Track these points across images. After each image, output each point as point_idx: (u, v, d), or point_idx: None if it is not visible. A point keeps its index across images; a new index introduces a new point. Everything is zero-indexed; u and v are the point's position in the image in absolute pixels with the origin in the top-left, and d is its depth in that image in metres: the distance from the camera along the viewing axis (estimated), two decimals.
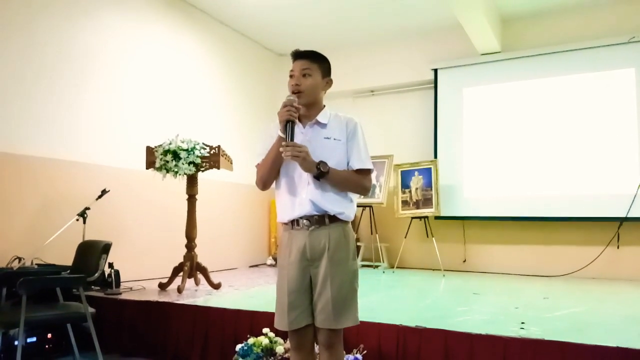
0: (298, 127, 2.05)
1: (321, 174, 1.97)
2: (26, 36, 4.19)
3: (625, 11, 5.73)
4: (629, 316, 3.42)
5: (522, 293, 4.56)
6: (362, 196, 2.18)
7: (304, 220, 2.03)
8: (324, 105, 2.15)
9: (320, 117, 2.10)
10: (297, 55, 2.11)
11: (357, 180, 2.07)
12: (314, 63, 2.09)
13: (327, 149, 2.04)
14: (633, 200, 5.40)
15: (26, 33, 4.19)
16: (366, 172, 2.10)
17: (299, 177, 2.06)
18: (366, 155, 2.10)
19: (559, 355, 2.49)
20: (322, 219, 2.03)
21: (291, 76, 2.09)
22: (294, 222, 2.06)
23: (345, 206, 2.07)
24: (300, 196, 2.04)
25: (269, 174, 2.09)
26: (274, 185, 2.16)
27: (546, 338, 2.58)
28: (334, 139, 2.07)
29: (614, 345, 2.44)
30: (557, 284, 5.10)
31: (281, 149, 1.95)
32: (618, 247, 5.55)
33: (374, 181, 6.40)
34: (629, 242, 5.52)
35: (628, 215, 5.41)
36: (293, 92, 2.06)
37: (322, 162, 1.97)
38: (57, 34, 4.44)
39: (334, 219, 2.05)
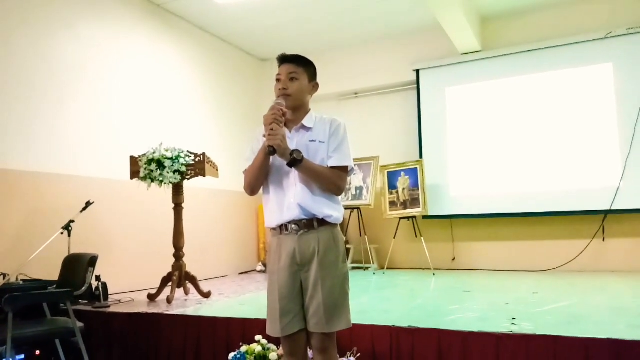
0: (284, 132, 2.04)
1: (294, 161, 1.96)
2: (5, 49, 4.12)
3: (601, 7, 5.83)
4: (617, 308, 3.46)
5: (511, 289, 4.59)
6: (337, 196, 2.12)
7: (293, 225, 2.03)
8: (310, 109, 2.16)
9: (306, 121, 2.10)
10: (284, 59, 2.11)
11: (330, 177, 2.04)
12: (300, 67, 2.10)
13: (311, 151, 2.04)
14: (616, 193, 5.48)
15: (5, 46, 4.12)
16: (342, 170, 2.07)
17: (286, 182, 2.06)
18: (344, 154, 2.07)
19: (551, 349, 2.51)
20: (310, 223, 2.03)
21: (278, 80, 2.09)
22: (282, 227, 2.06)
23: (334, 209, 2.07)
24: (288, 200, 2.04)
25: (257, 179, 2.08)
26: (261, 190, 2.15)
27: (538, 333, 2.60)
28: (319, 142, 2.07)
29: (605, 337, 2.46)
30: (546, 279, 5.15)
31: (264, 135, 1.98)
32: (604, 240, 5.63)
33: (360, 183, 6.41)
34: (614, 235, 5.60)
35: (612, 208, 5.49)
36: (280, 97, 2.06)
37: (296, 150, 1.97)
38: (37, 46, 4.38)
39: (322, 222, 2.04)
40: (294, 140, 2.06)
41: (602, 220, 5.60)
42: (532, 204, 5.87)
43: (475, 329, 2.72)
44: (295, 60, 2.10)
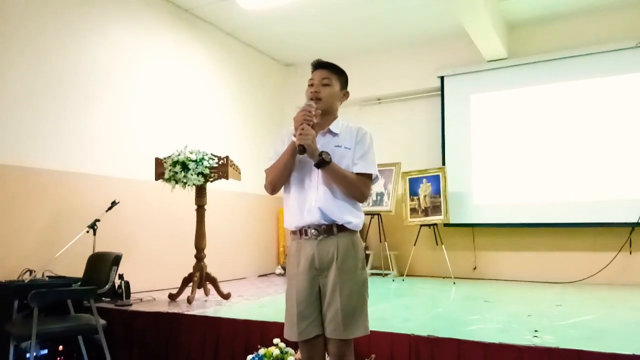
0: None
1: (322, 162, 1.98)
2: (35, 50, 4.23)
3: (631, 16, 5.70)
4: None
5: (534, 300, 4.51)
6: (361, 203, 2.14)
7: (312, 230, 2.04)
8: (337, 116, 2.19)
9: (333, 127, 2.13)
10: (318, 65, 2.16)
11: (356, 182, 2.06)
12: (333, 74, 2.14)
13: (337, 156, 2.05)
14: None
15: (35, 47, 4.24)
16: (366, 178, 2.09)
17: (308, 183, 2.07)
18: (369, 161, 2.09)
19: None
20: (330, 229, 2.04)
21: (310, 84, 2.13)
22: (302, 231, 2.07)
23: (354, 215, 2.08)
24: (309, 203, 2.05)
25: (280, 177, 2.10)
26: (282, 192, 2.16)
27: (560, 346, 2.55)
28: (345, 147, 2.09)
29: (630, 353, 2.40)
30: (570, 291, 5.05)
31: (293, 137, 2.00)
32: (630, 253, 5.49)
33: (381, 189, 6.39)
34: None
35: None
36: (311, 99, 2.09)
37: (325, 152, 1.99)
38: (66, 47, 4.49)
39: (342, 228, 2.05)
40: (319, 143, 2.07)
41: (630, 232, 5.46)
42: (557, 215, 5.76)
43: (496, 341, 2.68)
44: (329, 67, 2.15)
